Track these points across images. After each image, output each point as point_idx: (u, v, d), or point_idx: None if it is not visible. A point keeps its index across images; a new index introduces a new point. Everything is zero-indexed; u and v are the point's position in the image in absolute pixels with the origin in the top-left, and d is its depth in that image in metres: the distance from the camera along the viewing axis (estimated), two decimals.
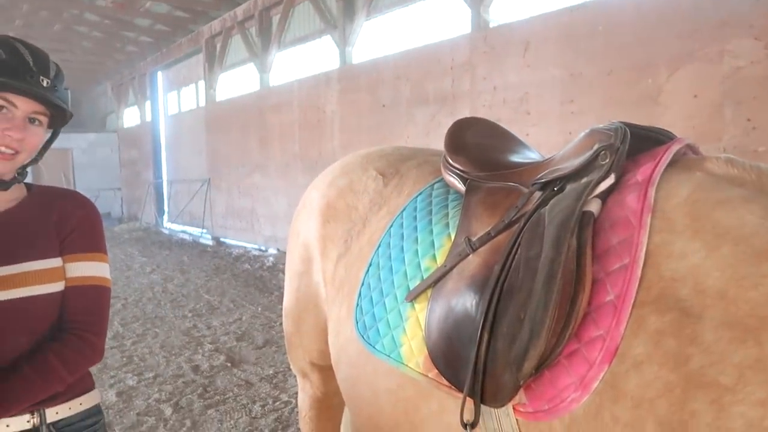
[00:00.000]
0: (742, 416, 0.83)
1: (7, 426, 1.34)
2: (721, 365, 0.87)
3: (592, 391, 1.01)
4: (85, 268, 1.45)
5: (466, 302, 1.23)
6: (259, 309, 6.74)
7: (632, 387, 0.96)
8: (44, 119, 1.42)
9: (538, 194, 1.30)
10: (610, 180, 1.17)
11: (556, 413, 1.05)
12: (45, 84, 1.37)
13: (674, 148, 1.19)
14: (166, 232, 15.68)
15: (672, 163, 1.17)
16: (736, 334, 0.88)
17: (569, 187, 1.22)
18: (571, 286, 1.06)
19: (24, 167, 1.45)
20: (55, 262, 1.42)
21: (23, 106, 1.35)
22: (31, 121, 1.39)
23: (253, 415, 3.88)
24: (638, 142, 1.22)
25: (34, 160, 1.47)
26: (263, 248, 11.34)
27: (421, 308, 1.36)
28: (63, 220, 1.46)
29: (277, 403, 4.08)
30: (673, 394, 0.91)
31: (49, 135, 1.53)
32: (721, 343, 0.89)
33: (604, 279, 1.05)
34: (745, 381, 0.85)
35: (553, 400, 1.06)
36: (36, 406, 1.37)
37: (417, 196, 1.64)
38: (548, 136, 5.85)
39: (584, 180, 1.20)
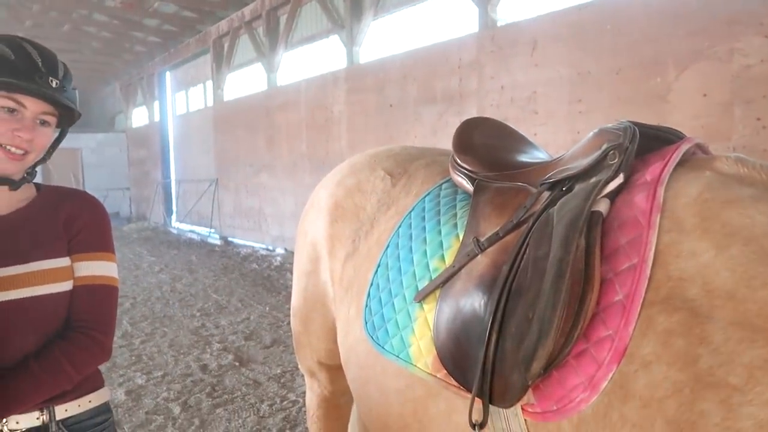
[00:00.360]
0: (752, 416, 0.83)
1: (17, 423, 1.35)
2: (730, 365, 0.87)
3: (601, 391, 1.01)
4: (93, 268, 1.46)
5: (475, 302, 1.23)
6: (267, 308, 6.76)
7: (641, 387, 0.96)
8: (53, 119, 1.43)
9: (546, 194, 1.30)
10: (619, 180, 1.17)
11: (565, 413, 1.05)
12: (54, 84, 1.38)
13: (683, 147, 1.19)
14: (175, 231, 15.75)
15: (681, 163, 1.17)
16: (745, 334, 0.87)
17: (578, 186, 1.22)
18: (580, 286, 1.06)
19: (33, 167, 1.47)
20: (64, 262, 1.43)
21: (32, 106, 1.36)
22: (40, 121, 1.40)
23: (261, 415, 3.89)
24: (647, 142, 1.22)
25: (42, 160, 1.48)
26: (271, 248, 11.37)
27: (429, 309, 1.36)
28: (71, 220, 1.46)
29: (285, 402, 4.09)
30: (681, 394, 0.91)
31: (57, 134, 1.54)
32: (730, 343, 0.88)
33: (612, 279, 1.05)
34: (755, 381, 0.84)
35: (562, 401, 1.05)
36: (45, 404, 1.38)
37: (425, 196, 1.64)
38: (556, 136, 5.83)
39: (593, 180, 1.19)
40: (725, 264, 0.95)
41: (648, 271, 1.02)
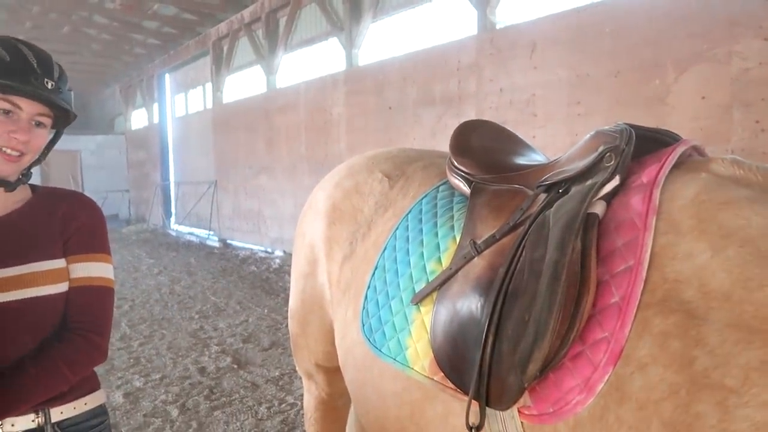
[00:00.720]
0: (748, 418, 0.83)
1: (12, 425, 1.35)
2: (726, 367, 0.87)
3: (597, 394, 1.01)
4: (89, 269, 1.46)
5: (471, 305, 1.23)
6: (266, 311, 6.75)
7: (637, 389, 0.96)
8: (48, 120, 1.43)
9: (543, 196, 1.29)
10: (615, 182, 1.16)
11: (561, 416, 1.05)
12: (49, 86, 1.38)
13: (679, 149, 1.19)
14: (174, 233, 15.74)
15: (677, 165, 1.17)
16: (741, 336, 0.87)
17: (574, 189, 1.22)
18: (576, 288, 1.05)
19: (28, 168, 1.46)
20: (60, 263, 1.42)
21: (28, 108, 1.36)
22: (36, 123, 1.40)
23: (259, 417, 3.88)
24: (643, 144, 1.22)
25: (38, 161, 1.48)
26: (269, 250, 11.36)
27: (426, 311, 1.36)
28: (67, 221, 1.46)
29: (283, 405, 4.08)
30: (677, 396, 0.91)
31: (52, 135, 1.54)
32: (726, 344, 0.88)
33: (608, 281, 1.05)
34: (751, 383, 0.84)
35: (558, 403, 1.05)
36: (41, 406, 1.37)
37: (422, 199, 1.64)
38: (555, 138, 5.84)
39: (589, 182, 1.19)
40: (721, 266, 0.94)
41: (644, 273, 1.01)
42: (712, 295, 0.93)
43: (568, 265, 1.06)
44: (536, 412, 1.09)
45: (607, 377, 1.00)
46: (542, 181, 1.32)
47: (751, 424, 0.82)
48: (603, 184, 1.16)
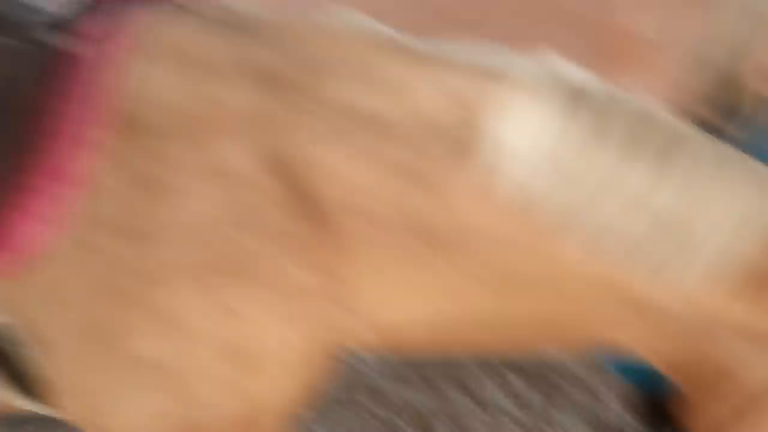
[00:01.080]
0: (189, 210, 0.95)
1: None
2: (178, 173, 0.96)
3: (65, 227, 0.97)
4: None
5: None
6: None
7: (105, 212, 0.97)
8: None
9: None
10: (86, 18, 1.12)
11: (30, 261, 0.99)
12: None
13: None
14: None
15: (156, 7, 1.18)
16: (188, 144, 0.98)
17: (50, 29, 1.15)
18: (26, 122, 1.02)
19: None
20: None
21: None
22: None
23: None
24: None
25: None
26: None
27: None
28: None
29: None
30: (148, 206, 0.97)
31: None
32: (178, 153, 0.97)
33: (66, 109, 1.02)
34: (194, 180, 0.95)
35: (23, 247, 0.98)
36: None
37: None
38: None
39: (59, 21, 1.14)
40: (176, 84, 1.02)
41: (102, 98, 1.02)
42: (169, 113, 1.00)
43: (19, 99, 1.04)
44: (1, 265, 1.00)
45: (71, 207, 0.97)
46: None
47: (190, 213, 0.95)
48: (70, 21, 1.11)
